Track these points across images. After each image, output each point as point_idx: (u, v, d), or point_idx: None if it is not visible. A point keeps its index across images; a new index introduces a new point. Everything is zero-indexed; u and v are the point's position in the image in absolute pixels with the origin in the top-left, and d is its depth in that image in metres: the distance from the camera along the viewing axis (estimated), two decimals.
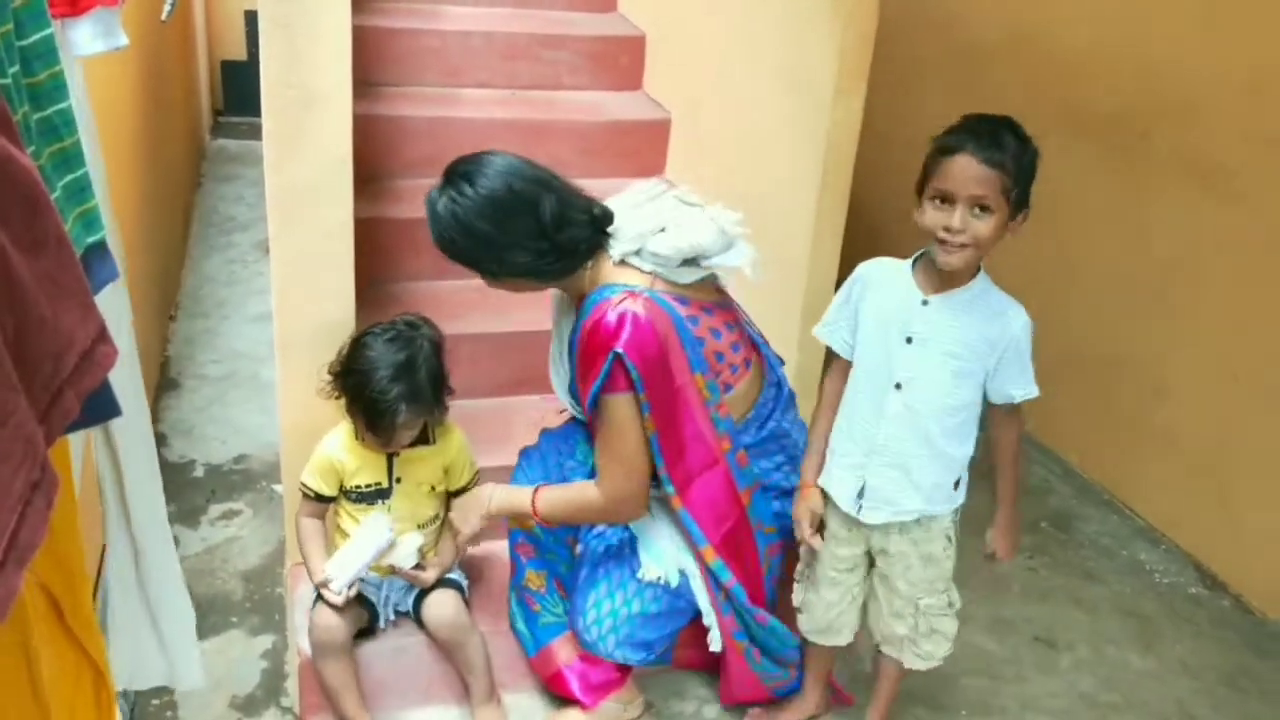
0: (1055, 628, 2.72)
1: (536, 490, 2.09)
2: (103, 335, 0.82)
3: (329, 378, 2.13)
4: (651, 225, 1.97)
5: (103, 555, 2.23)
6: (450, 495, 2.27)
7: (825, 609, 2.09)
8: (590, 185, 2.50)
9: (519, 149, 3.06)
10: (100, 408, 0.87)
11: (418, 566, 2.19)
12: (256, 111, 2.11)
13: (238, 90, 6.26)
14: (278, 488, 2.94)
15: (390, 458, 2.18)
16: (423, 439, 2.19)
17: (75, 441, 1.24)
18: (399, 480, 2.20)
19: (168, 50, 4.36)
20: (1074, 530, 3.17)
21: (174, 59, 4.65)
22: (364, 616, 2.22)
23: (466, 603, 2.28)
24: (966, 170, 1.72)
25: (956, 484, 1.95)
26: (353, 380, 2.07)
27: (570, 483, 2.13)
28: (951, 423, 1.87)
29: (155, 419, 3.35)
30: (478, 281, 2.77)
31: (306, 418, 2.30)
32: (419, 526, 2.23)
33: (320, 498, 2.19)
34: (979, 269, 1.87)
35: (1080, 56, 3.36)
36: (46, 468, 0.72)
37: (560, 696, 2.25)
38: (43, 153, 1.04)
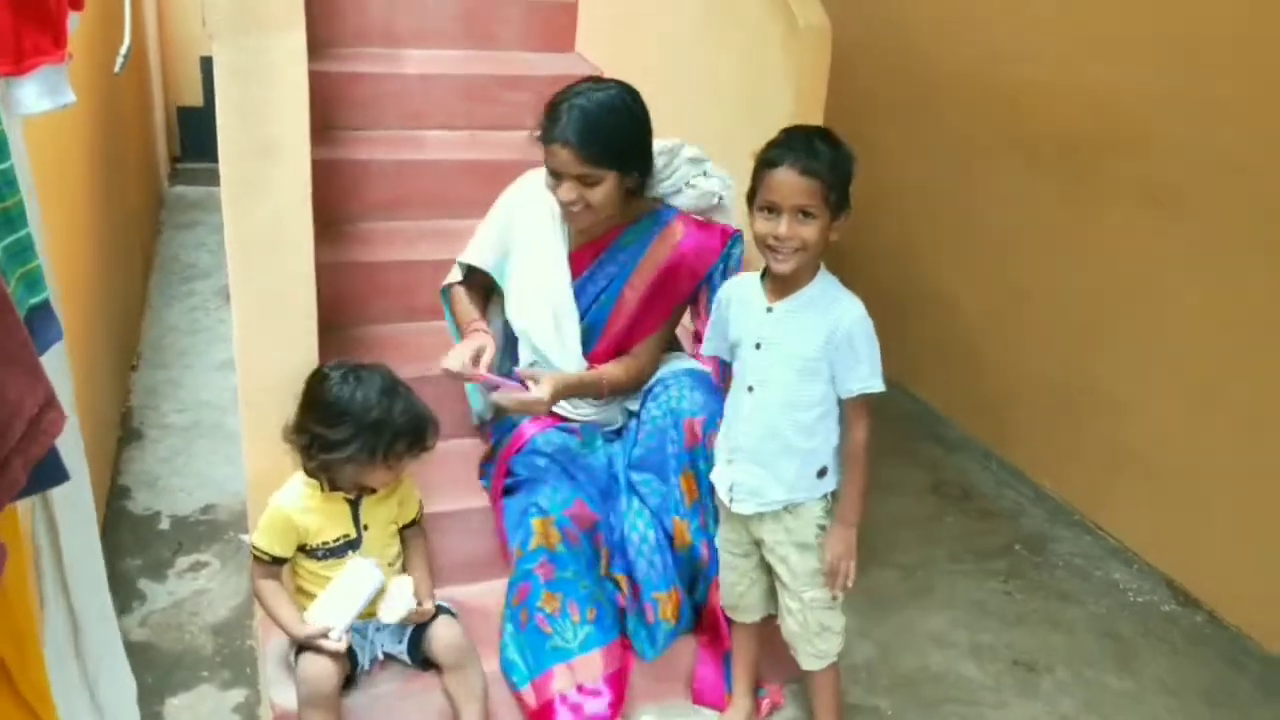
0: (1034, 651, 2.72)
1: (599, 372, 2.40)
2: (50, 401, 0.79)
3: (297, 437, 2.09)
4: (687, 175, 2.44)
5: None
6: (401, 530, 2.25)
7: (728, 588, 2.24)
8: None
9: (482, 189, 3.08)
10: (47, 474, 0.84)
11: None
12: (215, 157, 2.09)
13: (195, 136, 6.22)
14: (245, 537, 2.88)
15: (355, 506, 2.15)
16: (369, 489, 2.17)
17: (22, 505, 1.20)
18: (366, 527, 2.17)
19: (122, 98, 4.33)
20: (1047, 552, 3.18)
21: (129, 107, 4.62)
22: (347, 664, 2.17)
23: None
24: (787, 181, 1.90)
25: (822, 472, 2.07)
26: (342, 421, 2.03)
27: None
28: (805, 418, 2.01)
29: (118, 471, 3.29)
30: (441, 324, 2.78)
31: (272, 466, 2.26)
32: (388, 565, 2.20)
33: (276, 560, 2.14)
34: (817, 271, 2.01)
35: (1031, 88, 3.41)
36: None
37: None
38: None
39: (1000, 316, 3.69)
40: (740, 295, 2.09)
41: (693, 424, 2.30)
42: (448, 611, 2.26)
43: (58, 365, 1.20)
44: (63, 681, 1.64)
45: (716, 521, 2.27)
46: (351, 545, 2.15)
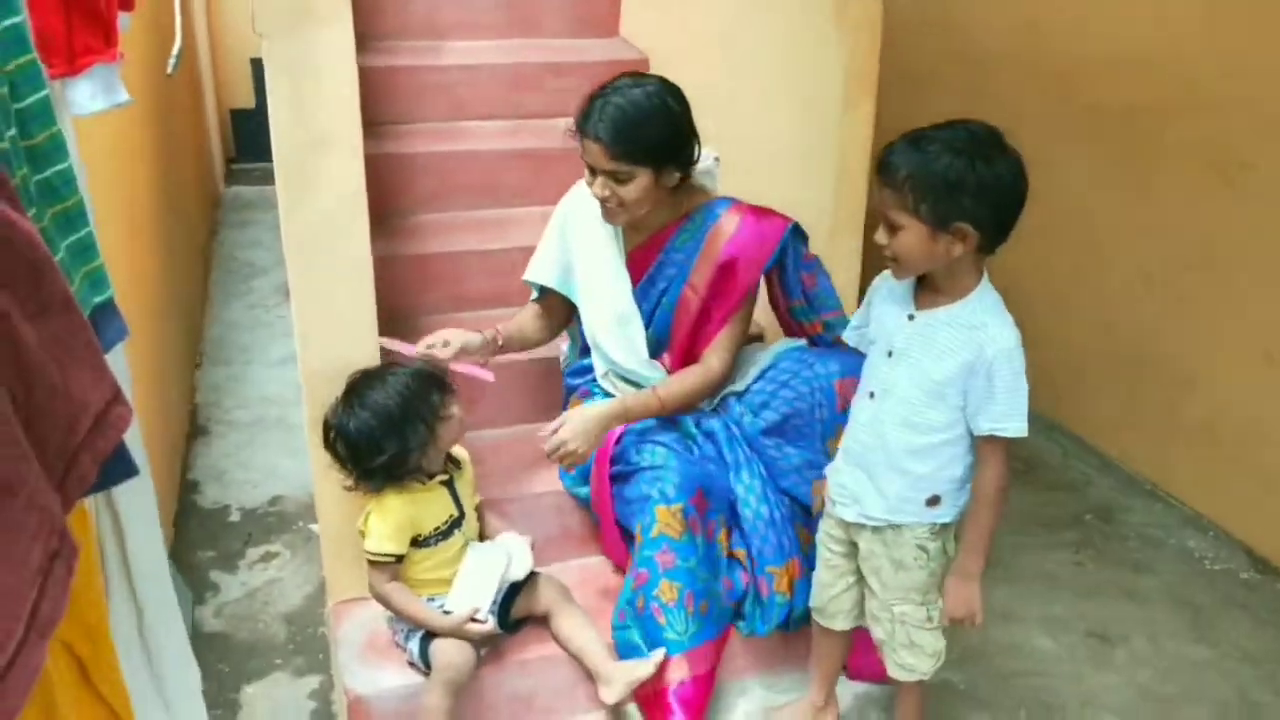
0: (1108, 622, 2.67)
1: (654, 389, 2.33)
2: (117, 397, 0.80)
3: (368, 483, 2.10)
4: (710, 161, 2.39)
5: None
6: None
7: (821, 588, 2.13)
8: None
9: (528, 178, 3.10)
10: (117, 469, 0.85)
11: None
12: (268, 157, 2.12)
13: (248, 137, 6.32)
14: (314, 527, 2.93)
15: (451, 486, 2.18)
16: (455, 459, 2.22)
17: (87, 501, 1.22)
18: (461, 500, 2.20)
19: (176, 102, 4.40)
20: (1118, 522, 3.12)
21: (183, 110, 4.69)
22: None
23: None
24: (878, 192, 1.77)
25: (933, 501, 1.89)
26: (379, 437, 2.03)
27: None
28: (920, 442, 1.84)
29: (186, 466, 3.36)
30: (494, 313, 2.79)
31: None
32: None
33: (398, 559, 2.14)
34: (976, 284, 1.80)
35: (1089, 56, 3.33)
36: (65, 537, 0.70)
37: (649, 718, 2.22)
38: (44, 215, 1.03)
39: (1061, 288, 3.61)
40: (890, 294, 1.91)
41: (844, 385, 2.25)
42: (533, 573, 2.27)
43: (117, 364, 1.21)
44: (129, 673, 1.68)
45: None
46: (456, 524, 2.18)
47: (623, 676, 2.13)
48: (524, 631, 2.31)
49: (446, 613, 2.12)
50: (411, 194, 3.03)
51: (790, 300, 2.42)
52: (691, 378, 2.36)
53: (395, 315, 2.80)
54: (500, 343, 2.38)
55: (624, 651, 2.23)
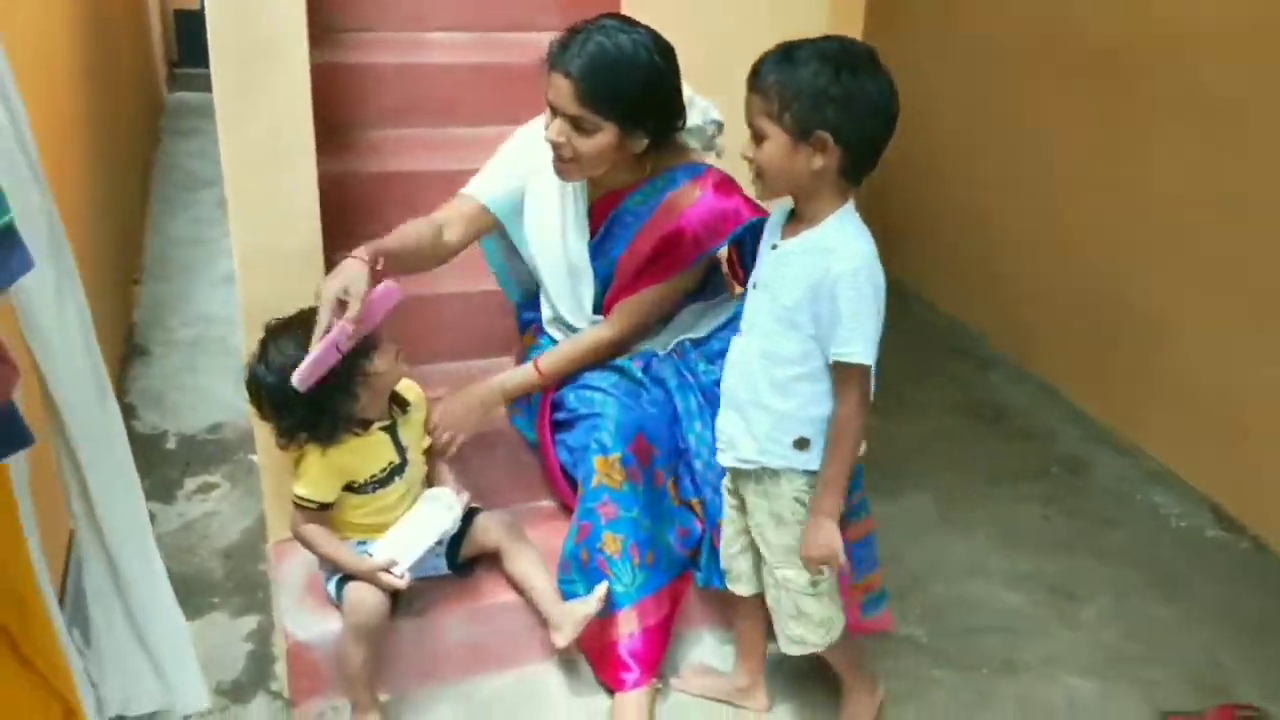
0: (1074, 578, 2.63)
1: (534, 360, 2.23)
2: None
3: (294, 435, 1.97)
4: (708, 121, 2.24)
5: (65, 569, 2.10)
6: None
7: (723, 546, 2.06)
8: None
9: (492, 94, 2.92)
10: (4, 438, 0.71)
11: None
12: None
13: (194, 39, 5.98)
14: (254, 458, 2.80)
15: (393, 431, 2.06)
16: (401, 401, 2.10)
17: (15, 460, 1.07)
18: (406, 449, 2.09)
19: (111, 1, 4.12)
20: (1085, 475, 3.07)
21: (119, 7, 4.41)
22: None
23: None
24: (747, 100, 1.70)
25: (801, 444, 1.80)
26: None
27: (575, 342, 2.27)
28: (780, 375, 1.77)
29: (123, 390, 3.20)
30: None
31: None
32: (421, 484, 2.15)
33: (323, 507, 2.04)
34: (838, 208, 1.71)
35: None
36: None
37: (601, 674, 2.16)
38: None
39: (1036, 231, 3.53)
40: (769, 231, 1.86)
41: None
42: (475, 510, 2.20)
43: (72, 296, 1.05)
44: (110, 632, 1.57)
45: None
46: (397, 471, 2.07)
47: (570, 618, 2.08)
48: (477, 576, 2.24)
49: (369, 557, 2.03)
50: (365, 108, 2.86)
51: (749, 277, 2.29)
52: (578, 345, 2.26)
53: (344, 238, 2.64)
54: (379, 265, 1.91)
55: None
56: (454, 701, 2.16)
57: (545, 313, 2.38)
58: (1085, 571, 2.66)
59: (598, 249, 2.27)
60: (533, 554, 2.18)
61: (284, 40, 1.93)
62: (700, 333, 2.31)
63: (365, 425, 2.02)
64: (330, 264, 2.14)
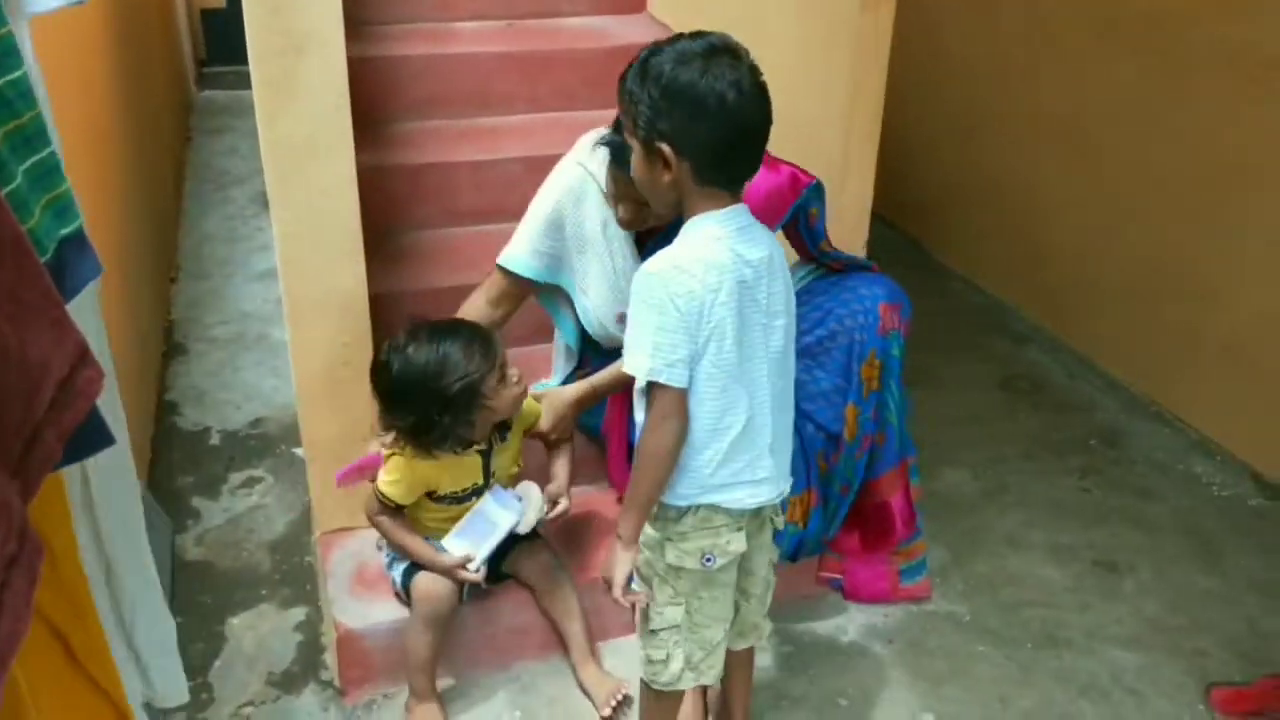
0: (1115, 550, 2.62)
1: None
2: (83, 357, 0.68)
3: (390, 428, 1.97)
4: None
5: None
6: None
7: None
8: (597, 117, 2.36)
9: (522, 82, 2.93)
10: (89, 440, 0.73)
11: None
12: (243, 60, 1.96)
13: (221, 38, 6.04)
14: (298, 451, 2.83)
15: (487, 456, 2.06)
16: (505, 426, 2.08)
17: None
18: (494, 474, 2.09)
19: (142, 1, 4.16)
20: (1125, 446, 3.06)
21: (150, 9, 4.44)
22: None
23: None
24: None
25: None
26: (423, 387, 1.89)
27: None
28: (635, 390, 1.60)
29: (164, 387, 3.24)
30: (489, 228, 2.65)
31: (320, 379, 2.20)
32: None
33: (398, 508, 2.05)
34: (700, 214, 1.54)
35: None
36: (26, 537, 0.58)
37: None
38: None
39: (1071, 200, 3.49)
40: None
41: (887, 309, 2.16)
42: (540, 537, 2.20)
43: (88, 305, 1.06)
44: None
45: (899, 411, 2.24)
46: (478, 492, 2.09)
47: (601, 689, 2.13)
48: None
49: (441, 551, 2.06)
50: (398, 100, 2.87)
51: (816, 244, 2.26)
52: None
53: (382, 230, 2.66)
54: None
55: None
56: (506, 686, 2.20)
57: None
58: (1126, 543, 2.65)
59: None
60: (569, 600, 2.18)
61: (321, 34, 1.93)
62: None
63: (466, 445, 2.00)
64: (368, 253, 2.17)
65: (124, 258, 2.88)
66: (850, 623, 2.38)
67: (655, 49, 1.49)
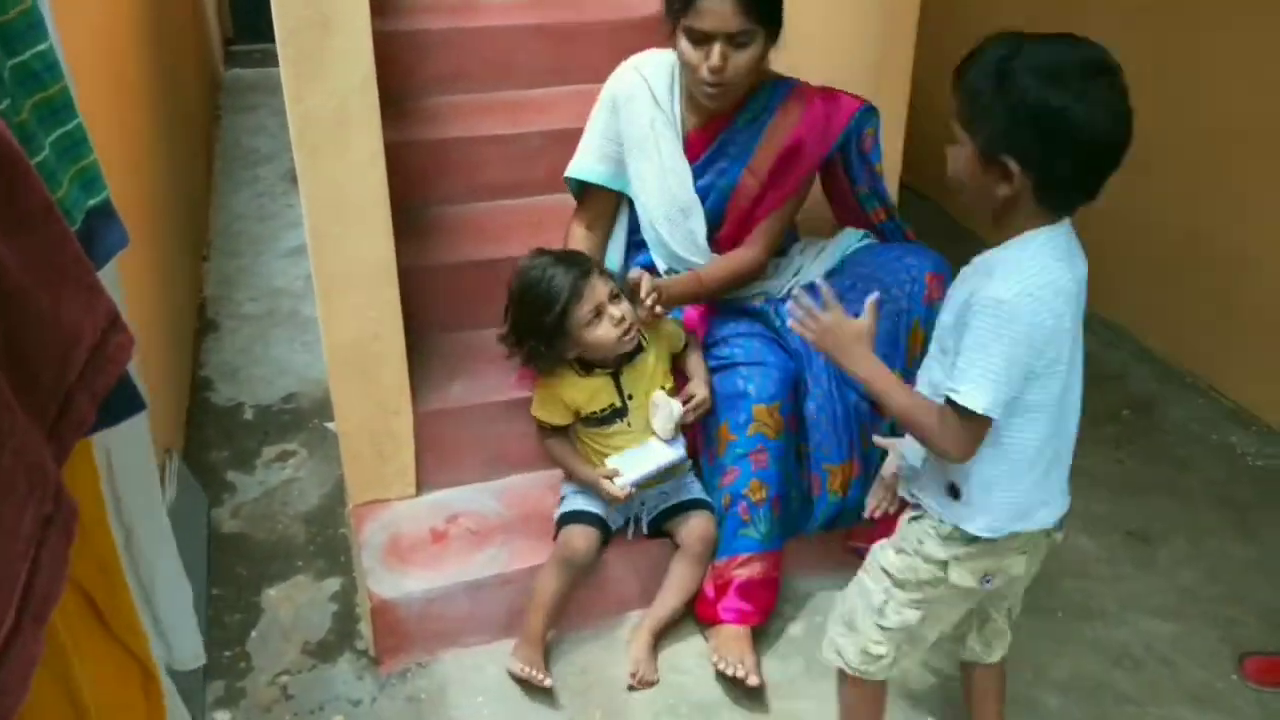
0: (1149, 521, 2.60)
1: (696, 271, 2.27)
2: (115, 323, 0.69)
3: (512, 338, 2.11)
4: None
5: None
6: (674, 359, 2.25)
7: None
8: None
9: (547, 55, 2.92)
10: (120, 405, 0.74)
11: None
12: (270, 38, 1.97)
13: (248, 16, 6.07)
14: (330, 426, 2.86)
15: (617, 379, 2.15)
16: (636, 349, 2.15)
17: None
18: (630, 396, 2.16)
19: None
20: (1158, 416, 3.03)
21: None
22: (601, 536, 2.21)
23: None
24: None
25: (952, 490, 1.60)
26: (521, 312, 2.07)
27: None
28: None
29: (198, 363, 3.28)
30: (513, 203, 2.65)
31: (353, 356, 2.21)
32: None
33: (555, 429, 2.20)
34: (1029, 230, 1.49)
35: None
36: (61, 497, 0.59)
37: (707, 610, 2.21)
38: (22, 106, 0.87)
39: None
40: None
41: (934, 279, 2.14)
42: (707, 505, 2.23)
43: (109, 277, 1.07)
44: None
45: None
46: (619, 414, 2.17)
47: (640, 654, 2.18)
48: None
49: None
50: (422, 75, 2.87)
51: (856, 186, 2.30)
52: (734, 263, 2.26)
53: (409, 204, 2.67)
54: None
55: None
56: (598, 640, 2.25)
57: (660, 265, 2.35)
58: (1160, 513, 2.63)
59: (700, 173, 2.26)
60: (692, 574, 2.21)
61: (347, 9, 1.94)
62: (811, 275, 2.32)
63: (588, 367, 2.13)
64: (396, 228, 2.18)
65: (156, 236, 2.90)
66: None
67: (1012, 48, 1.37)
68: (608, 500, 2.16)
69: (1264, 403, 2.98)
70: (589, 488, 2.19)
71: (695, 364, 2.25)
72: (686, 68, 2.12)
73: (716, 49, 2.03)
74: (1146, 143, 3.26)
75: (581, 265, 2.06)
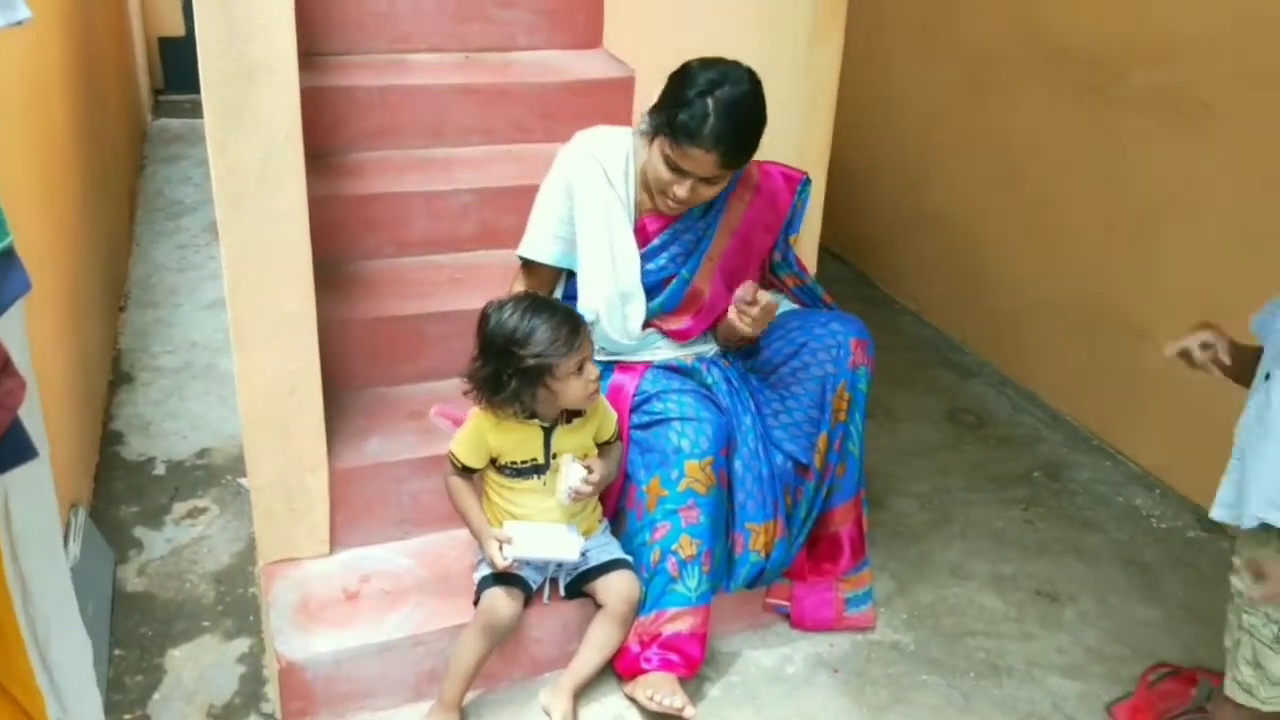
0: (1056, 580, 2.66)
1: None
2: (4, 367, 0.68)
3: (469, 376, 2.08)
4: None
5: None
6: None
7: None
8: (551, 150, 2.39)
9: (477, 114, 2.95)
10: (9, 453, 0.73)
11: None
12: (198, 88, 1.96)
13: (178, 68, 6.02)
14: (244, 482, 2.81)
15: (548, 434, 2.12)
16: (577, 411, 2.14)
17: None
18: (555, 455, 2.14)
19: (98, 28, 4.14)
20: (1066, 479, 3.11)
21: (106, 37, 4.43)
22: (521, 599, 2.18)
23: None
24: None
25: None
26: (505, 348, 2.02)
27: None
28: None
29: (109, 416, 3.20)
30: (439, 259, 2.66)
31: (269, 410, 2.18)
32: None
33: (467, 470, 2.15)
34: None
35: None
36: None
37: (629, 665, 2.21)
38: None
39: (1015, 236, 3.57)
40: None
41: (859, 345, 2.25)
42: (627, 564, 2.22)
43: (13, 325, 1.05)
44: None
45: (860, 444, 2.32)
46: (538, 470, 2.14)
47: (560, 703, 2.17)
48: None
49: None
50: (350, 130, 2.88)
51: (775, 254, 2.37)
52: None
53: (331, 260, 2.66)
54: None
55: None
56: (512, 703, 2.22)
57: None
58: (1067, 573, 2.69)
59: (657, 259, 2.30)
60: (613, 635, 2.20)
61: (274, 62, 1.94)
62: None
63: (530, 415, 2.10)
64: (318, 282, 2.17)
65: (74, 285, 2.85)
66: (796, 652, 2.39)
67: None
68: (486, 558, 2.13)
69: (1167, 466, 3.08)
70: (473, 536, 2.17)
71: (611, 450, 2.25)
72: (654, 177, 2.18)
73: (689, 183, 2.11)
74: (1063, 222, 3.45)
75: (576, 322, 2.08)
